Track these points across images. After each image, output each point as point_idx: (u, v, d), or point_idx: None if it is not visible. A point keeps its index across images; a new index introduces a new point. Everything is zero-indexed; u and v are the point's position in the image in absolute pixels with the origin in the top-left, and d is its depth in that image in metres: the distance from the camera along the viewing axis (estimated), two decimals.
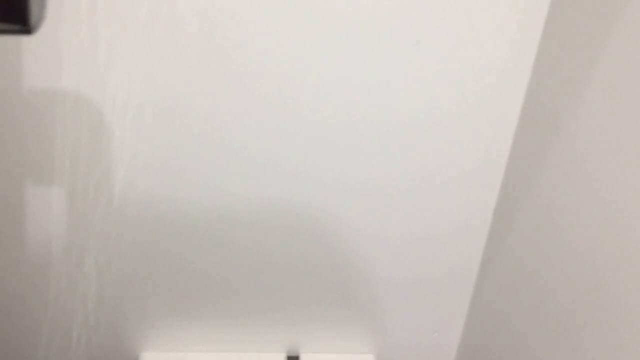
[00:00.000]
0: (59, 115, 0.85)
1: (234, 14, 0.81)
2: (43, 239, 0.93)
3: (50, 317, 0.99)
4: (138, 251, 0.96)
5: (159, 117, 0.87)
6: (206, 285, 1.00)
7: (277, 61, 0.85)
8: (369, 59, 0.86)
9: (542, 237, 0.88)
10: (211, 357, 1.04)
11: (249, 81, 0.86)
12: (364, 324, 1.06)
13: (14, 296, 0.97)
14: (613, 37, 0.74)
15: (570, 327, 0.82)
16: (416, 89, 0.88)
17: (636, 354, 0.70)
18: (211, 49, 0.83)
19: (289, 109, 0.88)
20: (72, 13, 0.79)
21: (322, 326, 1.05)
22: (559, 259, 0.84)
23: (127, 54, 0.82)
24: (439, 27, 0.84)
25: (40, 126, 0.85)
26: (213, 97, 0.86)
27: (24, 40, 0.80)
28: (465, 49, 0.86)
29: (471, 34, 0.85)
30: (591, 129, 0.78)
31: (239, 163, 0.91)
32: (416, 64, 0.86)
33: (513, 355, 0.95)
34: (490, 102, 0.90)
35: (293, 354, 1.07)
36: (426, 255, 1.01)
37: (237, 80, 0.85)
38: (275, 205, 0.94)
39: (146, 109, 0.86)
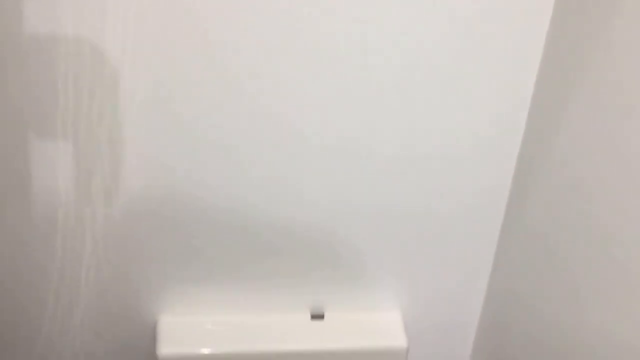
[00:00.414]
0: (61, 63, 0.81)
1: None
2: (50, 194, 0.89)
3: (58, 280, 0.96)
4: (154, 212, 0.93)
5: (164, 63, 0.84)
6: (227, 246, 0.97)
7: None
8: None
9: (562, 208, 0.87)
10: (233, 319, 1.01)
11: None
12: (388, 280, 1.05)
13: (20, 253, 0.93)
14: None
15: (590, 299, 0.81)
16: (429, 51, 0.88)
17: None
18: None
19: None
20: None
21: (346, 283, 1.04)
22: (579, 231, 0.83)
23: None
24: None
25: (41, 75, 0.81)
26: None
27: None
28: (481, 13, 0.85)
29: None
30: (614, 89, 0.76)
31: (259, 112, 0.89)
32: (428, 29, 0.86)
33: (535, 318, 0.95)
34: (505, 69, 0.90)
35: (317, 312, 1.05)
36: (448, 214, 1.01)
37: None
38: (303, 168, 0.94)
39: (153, 52, 0.82)
